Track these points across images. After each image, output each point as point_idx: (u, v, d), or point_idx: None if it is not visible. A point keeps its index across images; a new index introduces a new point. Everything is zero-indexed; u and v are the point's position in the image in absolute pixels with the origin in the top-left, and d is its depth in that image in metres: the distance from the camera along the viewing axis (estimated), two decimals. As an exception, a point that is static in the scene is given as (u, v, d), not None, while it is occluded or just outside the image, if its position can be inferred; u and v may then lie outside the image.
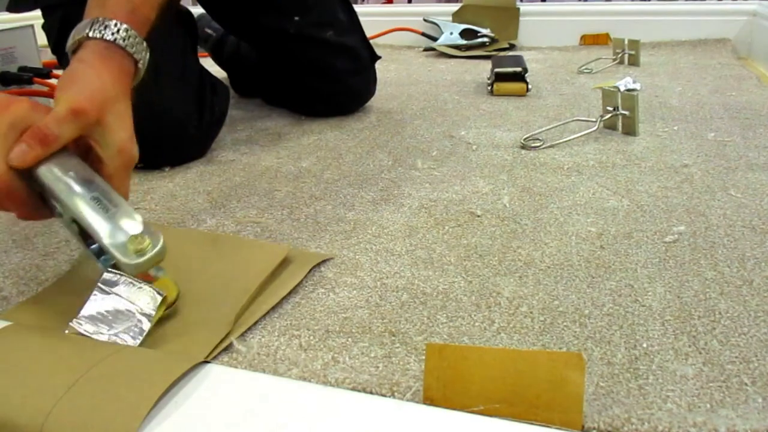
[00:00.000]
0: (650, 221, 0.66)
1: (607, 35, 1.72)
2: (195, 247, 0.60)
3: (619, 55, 1.47)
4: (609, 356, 0.45)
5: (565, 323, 0.49)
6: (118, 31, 0.55)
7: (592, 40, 1.75)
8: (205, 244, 0.60)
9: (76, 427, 0.35)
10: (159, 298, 0.46)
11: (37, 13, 0.91)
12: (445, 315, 0.51)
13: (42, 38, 1.00)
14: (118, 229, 0.46)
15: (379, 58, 1.14)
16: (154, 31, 0.60)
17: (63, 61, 0.90)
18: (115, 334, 0.45)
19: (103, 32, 0.55)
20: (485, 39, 1.71)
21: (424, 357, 0.41)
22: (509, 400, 0.38)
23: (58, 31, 0.87)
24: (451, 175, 0.81)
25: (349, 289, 0.55)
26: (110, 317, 0.45)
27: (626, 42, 1.46)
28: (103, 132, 0.51)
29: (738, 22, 1.63)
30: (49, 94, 1.15)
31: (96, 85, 0.52)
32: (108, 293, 0.46)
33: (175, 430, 0.37)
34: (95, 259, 0.49)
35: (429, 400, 0.39)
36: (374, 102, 1.19)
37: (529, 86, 1.22)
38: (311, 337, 0.48)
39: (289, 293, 0.54)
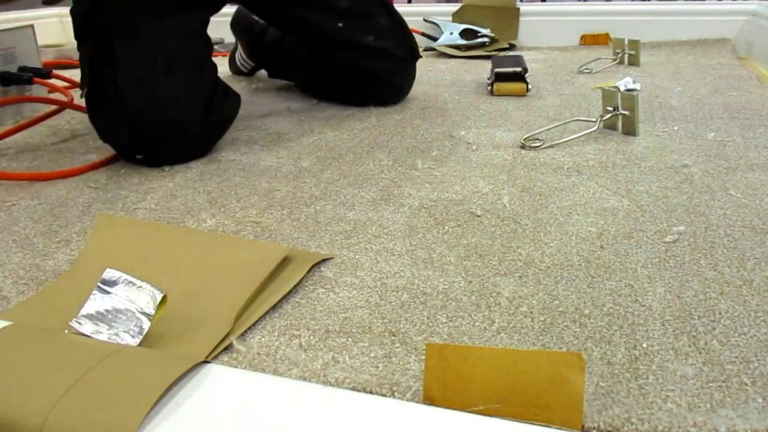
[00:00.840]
0: (650, 221, 0.66)
1: (607, 35, 1.73)
2: (195, 247, 0.60)
3: (619, 55, 1.47)
4: (609, 356, 0.45)
5: (565, 323, 0.49)
6: None
7: (592, 40, 1.75)
8: (205, 244, 0.60)
9: (76, 427, 0.35)
10: (159, 298, 0.46)
11: (40, 12, 0.91)
12: (445, 315, 0.51)
13: (42, 38, 1.00)
14: None
15: (420, 57, 1.20)
16: (178, 28, 0.62)
17: (83, 47, 0.90)
18: (115, 334, 0.45)
19: None
20: (485, 39, 1.71)
21: (424, 357, 0.41)
22: (509, 400, 0.38)
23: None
24: (451, 175, 0.81)
25: (349, 289, 0.55)
26: (110, 316, 0.45)
27: (626, 42, 1.47)
28: None
29: (738, 22, 1.63)
30: (41, 99, 1.15)
31: None
32: (108, 292, 0.46)
33: (175, 430, 0.37)
34: None
35: (429, 400, 0.39)
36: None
37: (529, 86, 1.22)
38: (311, 337, 0.48)
39: (289, 293, 0.54)
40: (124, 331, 0.45)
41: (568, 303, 0.52)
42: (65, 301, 0.51)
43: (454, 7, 1.80)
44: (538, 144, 0.91)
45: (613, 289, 0.54)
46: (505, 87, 1.22)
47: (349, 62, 1.13)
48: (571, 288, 0.54)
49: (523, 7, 1.78)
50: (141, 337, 0.45)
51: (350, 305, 0.53)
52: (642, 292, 0.53)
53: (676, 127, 0.97)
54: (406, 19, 1.19)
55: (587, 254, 0.60)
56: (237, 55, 1.48)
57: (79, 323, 0.45)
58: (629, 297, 0.53)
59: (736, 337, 0.47)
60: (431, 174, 0.82)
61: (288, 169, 0.85)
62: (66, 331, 0.45)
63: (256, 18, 1.31)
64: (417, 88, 1.29)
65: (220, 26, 1.49)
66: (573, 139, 0.92)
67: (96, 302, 0.46)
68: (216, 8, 1.01)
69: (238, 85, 1.38)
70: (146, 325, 0.46)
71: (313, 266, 0.58)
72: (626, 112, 0.94)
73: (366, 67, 1.13)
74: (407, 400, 0.41)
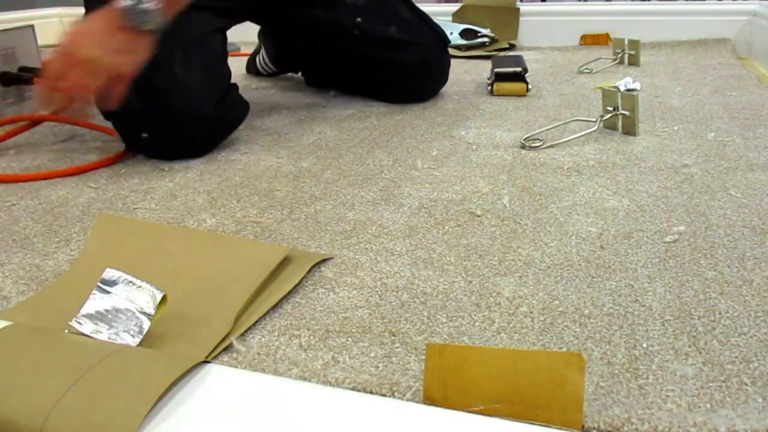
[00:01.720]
0: (650, 221, 0.66)
1: (607, 35, 1.73)
2: (195, 247, 0.60)
3: (619, 55, 1.47)
4: (609, 356, 0.45)
5: (565, 323, 0.49)
6: None
7: (592, 40, 1.75)
8: (205, 244, 0.60)
9: (76, 427, 0.35)
10: (159, 297, 0.46)
11: (40, 12, 0.91)
12: (445, 315, 0.51)
13: (42, 38, 1.00)
14: None
15: (449, 43, 1.21)
16: (197, 22, 0.67)
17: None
18: (115, 333, 0.45)
19: None
20: (485, 39, 1.71)
21: (424, 357, 0.41)
22: (509, 400, 0.38)
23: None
24: (451, 175, 0.81)
25: (349, 289, 0.55)
26: (110, 316, 0.45)
27: (626, 42, 1.47)
28: None
29: (738, 22, 1.63)
30: (46, 118, 1.12)
31: None
32: (108, 292, 0.46)
33: (175, 430, 0.37)
34: None
35: (429, 400, 0.39)
36: (374, 102, 1.19)
37: (529, 86, 1.22)
38: (311, 337, 0.48)
39: (289, 293, 0.54)
40: (124, 331, 0.45)
41: (568, 303, 0.52)
42: (65, 301, 0.51)
43: (454, 7, 1.80)
44: (538, 144, 0.91)
45: (613, 289, 0.54)
46: (505, 87, 1.22)
47: (379, 55, 1.14)
48: (571, 288, 0.54)
49: (523, 7, 1.78)
50: (141, 336, 0.45)
51: (350, 305, 0.53)
52: (642, 292, 0.53)
53: (676, 127, 0.97)
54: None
55: (587, 254, 0.60)
56: (258, 58, 1.49)
57: (79, 323, 0.45)
58: (629, 297, 0.53)
59: (736, 337, 0.47)
60: (431, 174, 0.82)
61: (288, 169, 0.85)
62: (66, 331, 0.45)
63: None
64: (417, 88, 1.29)
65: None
66: (573, 139, 0.92)
67: (96, 302, 0.46)
68: (228, 19, 1.03)
69: (239, 85, 1.38)
70: (146, 324, 0.46)
71: (313, 266, 0.58)
72: (626, 112, 0.94)
73: (396, 59, 1.13)
74: (407, 400, 0.41)
